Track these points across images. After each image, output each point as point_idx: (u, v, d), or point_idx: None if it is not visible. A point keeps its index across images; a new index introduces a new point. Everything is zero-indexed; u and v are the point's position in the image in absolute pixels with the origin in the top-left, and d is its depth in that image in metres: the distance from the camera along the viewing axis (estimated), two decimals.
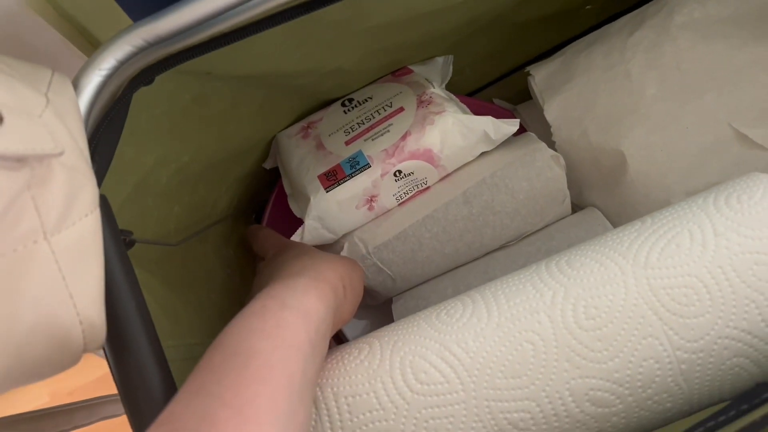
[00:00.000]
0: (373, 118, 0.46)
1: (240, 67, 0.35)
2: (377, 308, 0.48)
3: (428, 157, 0.44)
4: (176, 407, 0.24)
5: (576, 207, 0.47)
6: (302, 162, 0.46)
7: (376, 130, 0.45)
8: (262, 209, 0.52)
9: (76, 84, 0.30)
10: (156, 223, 0.37)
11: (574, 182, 0.46)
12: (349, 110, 0.48)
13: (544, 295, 0.33)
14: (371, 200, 0.44)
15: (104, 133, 0.31)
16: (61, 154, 0.25)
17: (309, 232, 0.44)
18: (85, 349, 0.27)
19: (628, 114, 0.43)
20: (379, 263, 0.44)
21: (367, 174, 0.43)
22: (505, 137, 0.45)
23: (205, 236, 0.45)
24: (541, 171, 0.44)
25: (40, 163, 0.24)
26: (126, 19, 0.37)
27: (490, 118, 0.45)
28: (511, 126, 0.45)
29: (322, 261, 0.36)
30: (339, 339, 0.48)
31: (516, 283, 0.35)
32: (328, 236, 0.45)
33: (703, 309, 0.31)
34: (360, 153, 0.44)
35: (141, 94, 0.32)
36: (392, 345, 0.34)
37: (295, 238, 0.44)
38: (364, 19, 0.36)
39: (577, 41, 0.49)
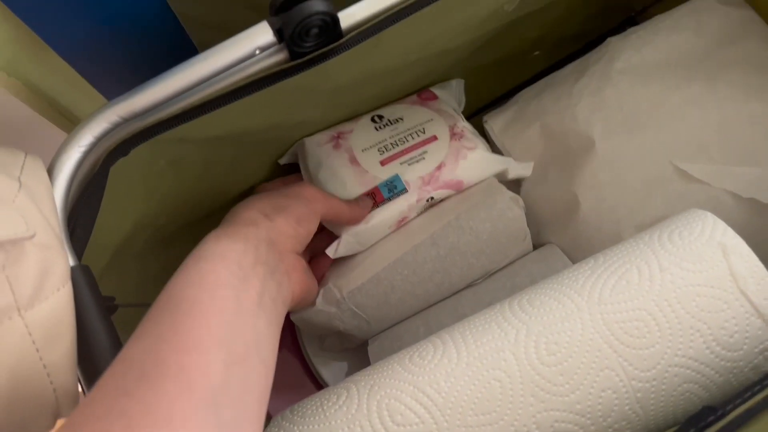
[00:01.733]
0: (407, 141, 0.49)
1: (210, 132, 0.37)
2: (355, 350, 0.50)
3: (458, 187, 0.48)
4: (125, 351, 0.26)
5: (537, 244, 0.49)
6: (337, 174, 0.47)
7: (411, 155, 0.48)
8: None
9: (57, 161, 0.32)
10: (136, 285, 0.39)
11: (533, 221, 0.49)
12: (380, 127, 0.49)
13: (508, 334, 0.35)
14: (402, 221, 0.47)
15: (84, 207, 0.33)
16: (33, 236, 0.27)
17: (344, 246, 0.46)
18: (60, 415, 0.29)
19: (577, 155, 0.46)
20: (354, 308, 0.46)
21: (404, 198, 0.46)
22: (520, 177, 0.50)
23: None
24: (502, 212, 0.47)
25: (13, 246, 0.26)
26: (96, 93, 0.39)
27: (511, 159, 0.49)
28: (526, 170, 0.49)
29: (235, 207, 0.39)
30: (318, 384, 0.50)
31: (482, 323, 0.37)
32: (358, 248, 0.47)
33: (653, 340, 0.33)
34: (397, 177, 0.47)
35: (118, 165, 0.34)
36: (369, 389, 0.36)
37: (329, 251, 0.46)
38: (327, 81, 0.38)
39: (528, 88, 0.52)
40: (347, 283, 0.46)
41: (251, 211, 0.38)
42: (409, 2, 0.35)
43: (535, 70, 0.56)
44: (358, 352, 0.49)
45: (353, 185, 0.46)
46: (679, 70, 0.46)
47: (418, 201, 0.46)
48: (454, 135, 0.49)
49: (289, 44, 0.33)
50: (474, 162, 0.48)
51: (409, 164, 0.47)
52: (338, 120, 0.50)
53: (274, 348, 0.32)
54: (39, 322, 0.27)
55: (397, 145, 0.48)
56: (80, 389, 0.29)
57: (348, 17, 0.34)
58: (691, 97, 0.45)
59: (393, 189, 0.46)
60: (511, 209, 0.47)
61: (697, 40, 0.46)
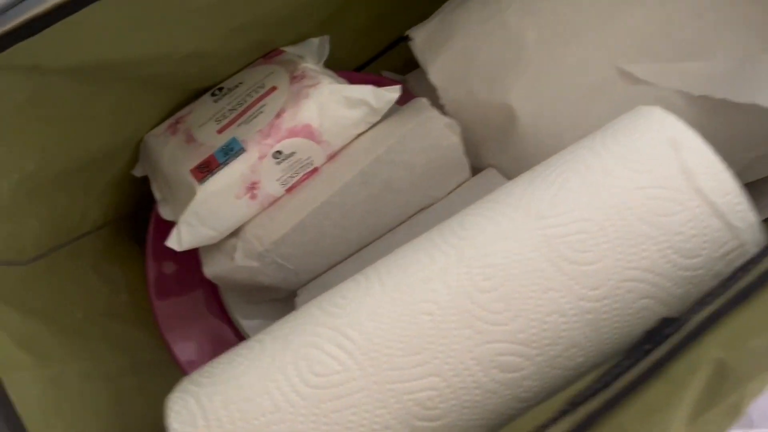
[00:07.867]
0: (245, 102, 0.43)
1: (69, 56, 0.31)
2: (283, 302, 0.45)
3: (308, 132, 0.41)
4: None
5: (475, 169, 0.45)
6: (172, 158, 0.42)
7: (248, 113, 0.42)
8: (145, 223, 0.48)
9: None
10: (5, 241, 0.34)
11: (469, 143, 0.44)
12: (219, 99, 0.44)
13: (437, 261, 0.31)
14: (252, 188, 0.41)
15: None
16: None
17: (185, 232, 0.40)
18: None
19: (511, 65, 0.42)
20: (279, 260, 0.41)
21: (242, 159, 0.40)
22: (389, 104, 0.43)
23: (79, 251, 0.41)
24: (436, 141, 0.42)
25: None
26: None
27: (369, 86, 0.42)
28: (393, 93, 0.43)
29: None
30: (241, 337, 0.46)
31: (410, 252, 0.33)
32: (209, 234, 0.41)
33: (601, 253, 0.29)
34: (233, 139, 0.41)
35: None
36: (283, 339, 0.31)
37: (171, 243, 0.39)
38: None
39: None
40: (269, 234, 0.41)
41: None
42: None
43: None
44: (288, 302, 0.44)
45: (188, 162, 0.41)
46: None
47: (261, 158, 0.40)
48: (294, 79, 0.43)
49: None
50: (318, 99, 0.41)
51: (246, 123, 0.42)
52: (240, 59, 0.45)
53: None
54: None
55: (235, 109, 0.43)
56: None
57: None
58: None
59: (229, 152, 0.41)
60: (446, 137, 0.42)
61: None
